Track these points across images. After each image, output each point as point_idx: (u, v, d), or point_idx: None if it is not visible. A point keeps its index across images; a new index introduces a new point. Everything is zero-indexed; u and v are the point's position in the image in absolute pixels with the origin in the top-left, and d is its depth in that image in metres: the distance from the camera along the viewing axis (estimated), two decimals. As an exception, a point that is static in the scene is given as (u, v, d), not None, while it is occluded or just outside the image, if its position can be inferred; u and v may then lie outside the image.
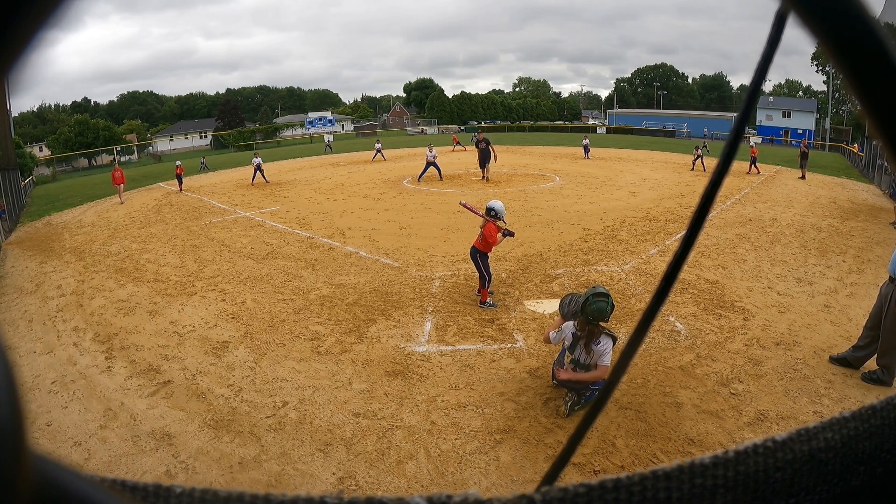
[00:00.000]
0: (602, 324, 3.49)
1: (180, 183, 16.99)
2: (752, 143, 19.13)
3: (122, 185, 15.69)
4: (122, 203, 15.15)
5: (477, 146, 15.42)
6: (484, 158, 15.20)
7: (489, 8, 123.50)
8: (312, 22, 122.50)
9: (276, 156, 30.78)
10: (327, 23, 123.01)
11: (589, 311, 3.43)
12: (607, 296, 3.46)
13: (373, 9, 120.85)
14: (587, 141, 23.21)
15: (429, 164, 16.11)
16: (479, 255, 5.47)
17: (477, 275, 5.67)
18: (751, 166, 16.62)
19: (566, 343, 3.58)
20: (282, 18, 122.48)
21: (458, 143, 29.17)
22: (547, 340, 3.78)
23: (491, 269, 5.58)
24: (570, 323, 3.60)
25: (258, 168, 17.02)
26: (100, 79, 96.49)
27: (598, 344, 3.45)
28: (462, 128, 55.80)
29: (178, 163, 18.12)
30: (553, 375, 3.89)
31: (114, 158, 38.05)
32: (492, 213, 5.48)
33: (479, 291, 5.68)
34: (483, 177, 15.28)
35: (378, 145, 24.20)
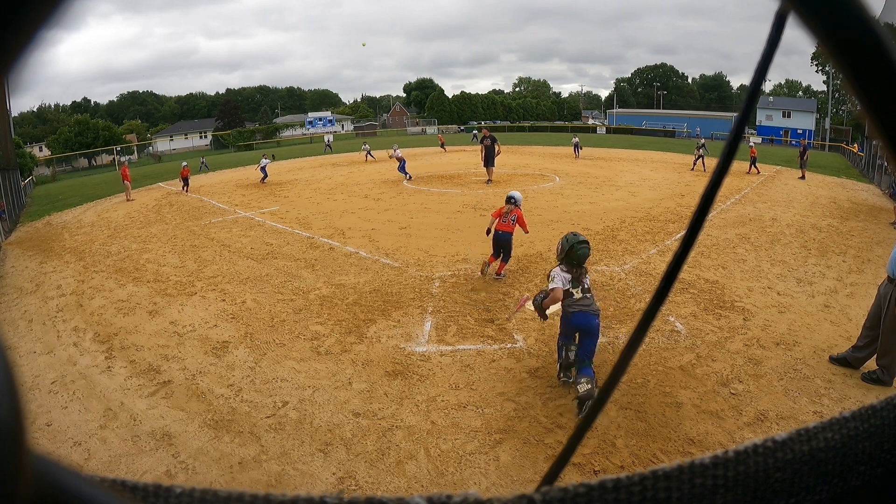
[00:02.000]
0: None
1: (186, 185, 16.37)
2: (751, 144, 19.15)
3: (129, 183, 15.94)
4: (129, 200, 15.40)
5: (482, 142, 14.90)
6: (489, 157, 14.59)
7: (491, 8, 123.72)
8: (315, 22, 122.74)
9: (276, 156, 30.78)
10: (329, 23, 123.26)
11: (574, 257, 3.84)
12: (587, 241, 3.91)
13: (375, 9, 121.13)
14: (577, 139, 23.66)
15: (399, 162, 16.33)
16: (510, 237, 6.27)
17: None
18: (751, 166, 16.62)
19: (568, 284, 3.88)
20: (284, 18, 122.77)
21: (443, 143, 29.11)
22: (552, 303, 3.91)
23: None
24: (558, 269, 3.91)
25: (264, 170, 17.24)
26: (101, 79, 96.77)
27: (587, 278, 3.94)
28: (462, 128, 55.84)
29: (185, 164, 17.61)
30: (559, 355, 4.07)
31: (114, 159, 38.14)
32: (512, 201, 6.28)
33: (487, 264, 6.45)
34: (487, 179, 14.80)
35: (366, 146, 24.92)
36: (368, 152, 24.26)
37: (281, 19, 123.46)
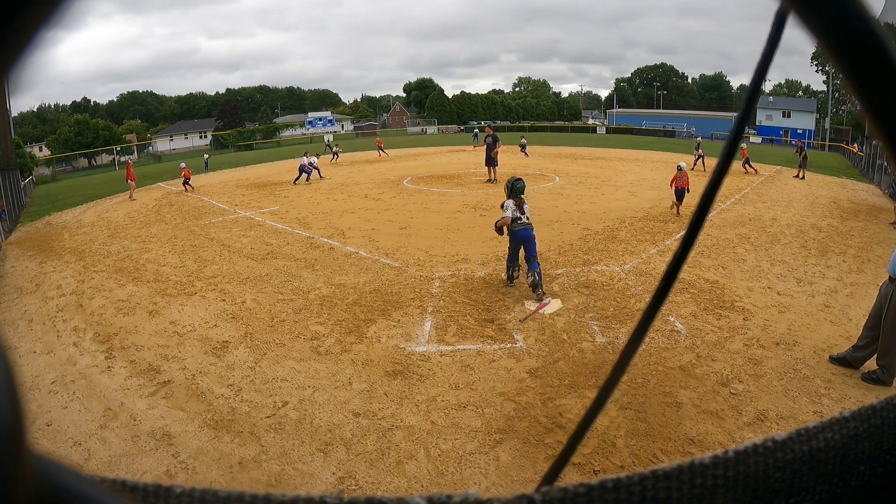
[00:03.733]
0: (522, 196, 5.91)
1: (187, 184, 16.15)
2: (742, 146, 19.04)
3: (133, 182, 16.08)
4: (133, 199, 15.55)
5: (485, 141, 14.88)
6: (488, 156, 14.63)
7: (491, 8, 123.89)
8: (315, 22, 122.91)
9: (276, 156, 30.80)
10: (330, 23, 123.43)
11: (517, 190, 5.88)
12: (522, 179, 6.01)
13: (375, 9, 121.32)
14: (524, 140, 24.62)
15: (302, 169, 16.32)
16: (685, 190, 9.98)
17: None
18: (745, 166, 16.55)
19: (515, 213, 5.75)
20: (284, 18, 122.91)
21: (381, 147, 26.03)
22: (504, 224, 5.80)
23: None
24: (510, 201, 5.81)
25: (315, 167, 16.84)
26: (102, 78, 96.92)
27: (526, 206, 5.84)
28: (461, 128, 55.83)
29: (183, 164, 17.07)
30: (508, 273, 6.07)
31: (114, 159, 38.19)
32: (680, 169, 10.03)
33: (674, 204, 10.12)
34: (489, 178, 14.75)
35: (336, 148, 23.49)
36: (336, 154, 23.04)
37: (281, 19, 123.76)
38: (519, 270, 6.01)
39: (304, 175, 16.39)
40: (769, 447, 0.25)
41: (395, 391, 4.02)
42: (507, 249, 6.07)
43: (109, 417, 3.85)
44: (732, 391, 3.89)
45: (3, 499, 0.13)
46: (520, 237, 5.74)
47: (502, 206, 5.89)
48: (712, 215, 10.01)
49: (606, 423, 3.48)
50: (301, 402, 3.92)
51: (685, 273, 6.43)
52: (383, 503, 0.22)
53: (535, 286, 5.63)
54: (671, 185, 10.26)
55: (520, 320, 5.16)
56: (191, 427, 3.69)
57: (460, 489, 0.99)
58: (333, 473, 3.18)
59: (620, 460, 3.18)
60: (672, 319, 5.15)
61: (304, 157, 16.84)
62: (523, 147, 23.64)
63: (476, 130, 39.55)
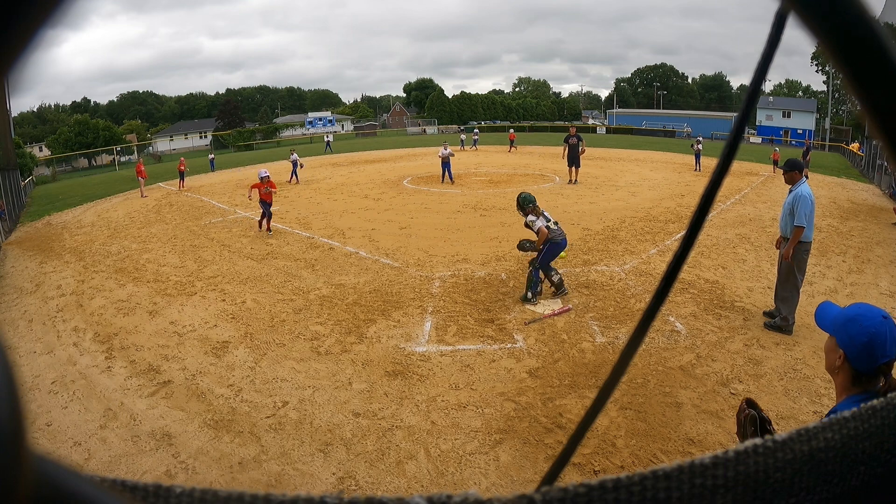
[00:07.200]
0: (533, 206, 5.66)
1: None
2: (775, 148, 18.47)
3: (142, 179, 16.43)
4: (144, 197, 15.97)
5: (566, 141, 14.37)
6: (573, 156, 14.06)
7: (494, 9, 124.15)
8: (318, 22, 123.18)
9: (276, 156, 30.77)
10: (333, 23, 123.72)
11: (530, 201, 5.60)
12: (528, 194, 5.70)
13: (378, 10, 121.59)
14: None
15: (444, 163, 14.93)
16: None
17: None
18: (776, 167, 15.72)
19: (545, 222, 5.54)
20: (288, 18, 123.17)
21: (183, 171, 17.75)
22: (544, 234, 5.47)
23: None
24: (531, 216, 5.54)
25: (294, 165, 16.60)
26: (103, 78, 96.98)
27: (544, 213, 5.64)
28: (462, 128, 55.87)
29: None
30: (533, 283, 5.64)
31: (114, 159, 38.24)
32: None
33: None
34: (571, 180, 14.31)
35: (294, 156, 17.00)
36: (295, 169, 16.83)
37: (285, 19, 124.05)
38: (557, 277, 5.76)
39: (450, 157, 15.06)
40: (769, 447, 0.25)
41: (395, 391, 4.02)
42: (510, 250, 6.03)
43: (109, 417, 3.85)
44: (732, 391, 3.89)
45: (3, 499, 0.13)
46: (563, 244, 5.62)
47: (526, 225, 5.61)
48: (712, 215, 10.01)
49: (606, 423, 3.48)
50: (301, 402, 3.92)
51: (685, 273, 6.43)
52: (383, 503, 0.22)
53: (560, 285, 5.65)
54: (771, 157, 16.30)
55: (526, 322, 5.15)
56: (191, 427, 3.69)
57: (460, 489, 0.99)
58: (333, 473, 3.18)
59: (620, 460, 3.18)
60: (672, 319, 5.15)
61: (444, 149, 14.99)
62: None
63: (476, 130, 39.03)
